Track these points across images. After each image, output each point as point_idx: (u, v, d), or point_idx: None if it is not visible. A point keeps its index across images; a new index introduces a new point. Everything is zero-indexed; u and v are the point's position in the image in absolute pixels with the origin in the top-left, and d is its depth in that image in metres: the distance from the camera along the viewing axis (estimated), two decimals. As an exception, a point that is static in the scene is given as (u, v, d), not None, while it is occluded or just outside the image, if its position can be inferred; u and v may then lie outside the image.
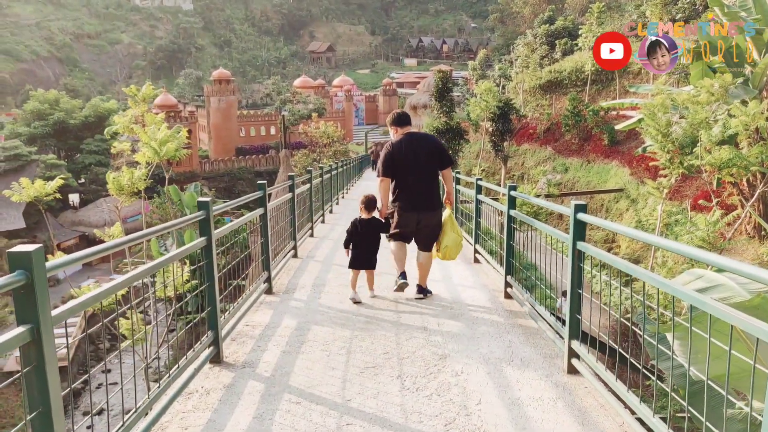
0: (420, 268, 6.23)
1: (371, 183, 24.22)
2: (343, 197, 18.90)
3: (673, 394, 3.04)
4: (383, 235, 6.36)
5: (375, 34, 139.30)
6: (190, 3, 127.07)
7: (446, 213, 6.26)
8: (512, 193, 5.94)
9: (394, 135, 6.19)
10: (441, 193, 6.90)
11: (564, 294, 10.16)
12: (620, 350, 3.44)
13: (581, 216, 3.97)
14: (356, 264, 6.19)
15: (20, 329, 2.06)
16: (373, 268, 6.29)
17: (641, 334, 3.66)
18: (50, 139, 48.90)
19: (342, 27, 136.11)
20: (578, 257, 4.00)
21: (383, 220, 6.22)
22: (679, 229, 10.93)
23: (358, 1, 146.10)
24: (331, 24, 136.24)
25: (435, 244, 6.19)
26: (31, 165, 42.52)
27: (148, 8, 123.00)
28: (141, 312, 13.45)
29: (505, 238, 6.02)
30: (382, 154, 6.11)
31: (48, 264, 2.21)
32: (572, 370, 4.22)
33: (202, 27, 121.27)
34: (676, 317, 2.81)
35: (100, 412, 19.71)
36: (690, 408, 2.67)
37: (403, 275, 6.19)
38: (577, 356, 4.17)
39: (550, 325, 4.85)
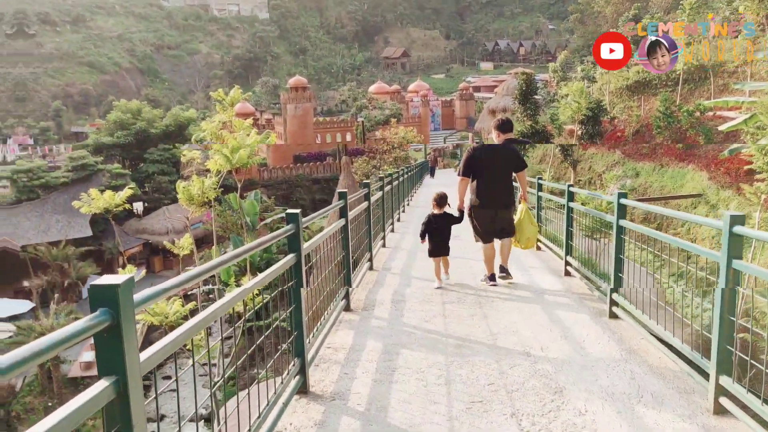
0: (502, 250, 6.94)
1: (434, 190, 23.62)
2: (408, 204, 18.36)
3: None
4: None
5: (450, 38, 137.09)
6: (266, 12, 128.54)
7: (522, 208, 6.96)
8: (622, 201, 5.27)
9: (496, 138, 6.92)
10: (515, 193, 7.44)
11: None
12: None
13: (738, 229, 3.31)
14: (435, 252, 7.06)
15: (103, 383, 1.62)
16: (448, 254, 7.18)
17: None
18: (116, 149, 50.22)
19: (416, 32, 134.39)
20: (734, 279, 3.35)
21: (458, 213, 6.96)
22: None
23: (432, 6, 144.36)
24: (405, 29, 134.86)
25: (516, 235, 6.92)
26: (98, 175, 43.73)
27: (226, 18, 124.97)
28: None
29: (614, 251, 5.35)
30: (463, 157, 6.96)
31: (136, 297, 1.77)
32: (719, 410, 3.57)
33: (277, 35, 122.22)
34: None
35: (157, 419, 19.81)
36: None
37: (492, 277, 6.91)
38: (726, 394, 3.51)
39: (681, 356, 4.19)
